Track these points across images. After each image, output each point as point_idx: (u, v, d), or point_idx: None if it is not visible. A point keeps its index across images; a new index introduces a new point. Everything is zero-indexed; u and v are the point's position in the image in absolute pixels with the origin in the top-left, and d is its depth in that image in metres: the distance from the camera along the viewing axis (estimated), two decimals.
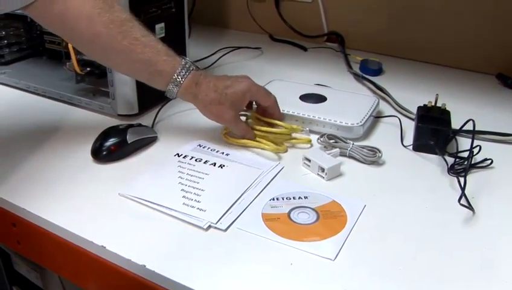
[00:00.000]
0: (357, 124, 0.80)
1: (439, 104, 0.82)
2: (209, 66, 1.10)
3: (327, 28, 1.27)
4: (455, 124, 0.79)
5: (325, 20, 1.27)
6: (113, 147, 0.75)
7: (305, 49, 1.24)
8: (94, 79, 0.94)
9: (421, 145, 0.79)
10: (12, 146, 0.80)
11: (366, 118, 0.82)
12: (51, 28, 0.74)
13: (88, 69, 0.93)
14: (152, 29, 0.83)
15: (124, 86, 0.85)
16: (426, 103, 0.83)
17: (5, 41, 1.09)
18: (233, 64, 1.14)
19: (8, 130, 0.85)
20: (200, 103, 0.76)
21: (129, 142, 0.75)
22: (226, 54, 1.16)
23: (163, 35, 0.88)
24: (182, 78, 0.74)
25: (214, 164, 0.72)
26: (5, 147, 0.79)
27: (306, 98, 0.88)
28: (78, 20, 0.70)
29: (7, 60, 1.11)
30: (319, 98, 0.88)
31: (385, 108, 0.93)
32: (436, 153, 0.77)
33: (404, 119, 0.88)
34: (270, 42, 1.30)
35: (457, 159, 0.74)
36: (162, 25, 0.88)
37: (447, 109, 0.81)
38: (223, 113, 0.76)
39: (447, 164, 0.73)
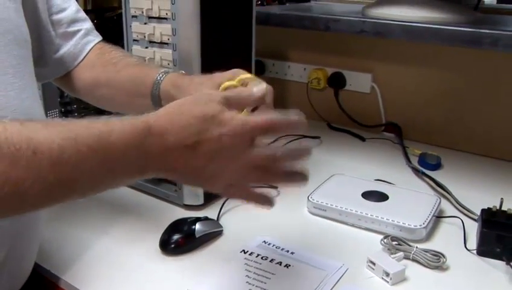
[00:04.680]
0: (420, 226, 0.82)
1: (504, 208, 0.83)
2: None
3: (385, 119, 1.31)
4: None
5: (383, 111, 1.31)
6: (181, 240, 0.79)
7: (363, 139, 1.28)
8: None
9: (486, 251, 0.79)
10: (79, 229, 0.85)
11: (429, 219, 0.84)
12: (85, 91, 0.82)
13: None
14: None
15: None
16: (490, 206, 0.84)
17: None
18: None
19: (75, 213, 0.90)
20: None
21: (197, 236, 0.79)
22: (285, 143, 1.20)
23: None
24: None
25: (280, 263, 0.75)
26: (72, 230, 0.85)
27: (368, 195, 0.91)
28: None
29: None
30: (381, 196, 0.91)
31: (446, 206, 0.94)
32: (502, 260, 0.77)
33: (466, 219, 0.89)
34: (328, 130, 1.35)
35: None
36: None
37: None
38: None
39: None
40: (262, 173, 0.56)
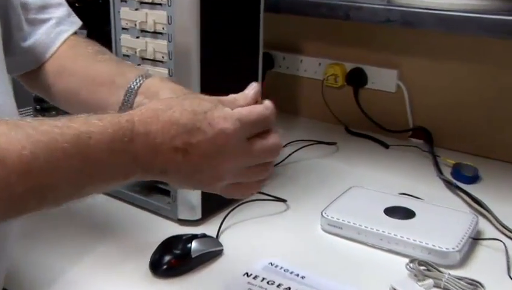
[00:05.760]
0: (453, 249, 0.82)
1: None
2: (280, 162, 1.16)
3: (412, 122, 1.32)
4: None
5: (411, 113, 1.32)
6: (174, 261, 0.79)
7: (386, 146, 1.29)
8: None
9: None
10: (57, 249, 0.86)
11: (464, 241, 0.84)
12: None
13: None
14: None
15: None
16: None
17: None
18: (305, 162, 1.19)
19: (52, 230, 0.91)
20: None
21: (193, 256, 0.80)
22: (297, 149, 1.21)
23: None
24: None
25: (289, 289, 0.76)
26: (49, 250, 0.85)
27: (391, 212, 0.91)
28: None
29: None
30: (407, 213, 0.91)
31: (485, 226, 0.94)
32: None
33: (509, 242, 0.88)
34: (345, 135, 1.35)
35: None
36: None
37: None
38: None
39: None
40: (262, 166, 0.60)
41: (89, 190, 0.54)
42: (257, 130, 0.59)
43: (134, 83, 0.72)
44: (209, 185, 0.60)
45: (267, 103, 0.61)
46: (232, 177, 0.60)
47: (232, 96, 0.61)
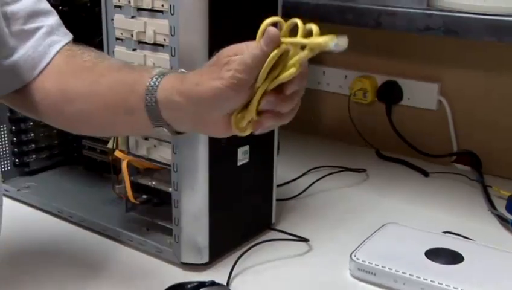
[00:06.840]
0: None
1: None
2: (300, 194, 1.16)
3: (457, 146, 1.32)
4: None
5: (455, 135, 1.31)
6: None
7: (426, 173, 1.28)
8: (149, 207, 1.00)
9: None
10: None
11: None
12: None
13: (144, 196, 0.99)
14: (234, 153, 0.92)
15: (192, 226, 0.90)
16: None
17: (33, 145, 1.18)
18: (330, 193, 1.19)
19: (34, 274, 0.90)
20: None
21: None
22: (320, 178, 1.21)
23: (246, 160, 0.94)
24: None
25: None
26: None
27: (434, 255, 0.91)
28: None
29: (33, 168, 1.19)
30: (453, 257, 0.90)
31: None
32: None
33: None
34: (377, 161, 1.35)
35: None
36: (246, 148, 0.94)
37: None
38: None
39: None
40: None
41: None
42: None
43: (152, 82, 0.72)
44: None
45: None
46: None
47: None
